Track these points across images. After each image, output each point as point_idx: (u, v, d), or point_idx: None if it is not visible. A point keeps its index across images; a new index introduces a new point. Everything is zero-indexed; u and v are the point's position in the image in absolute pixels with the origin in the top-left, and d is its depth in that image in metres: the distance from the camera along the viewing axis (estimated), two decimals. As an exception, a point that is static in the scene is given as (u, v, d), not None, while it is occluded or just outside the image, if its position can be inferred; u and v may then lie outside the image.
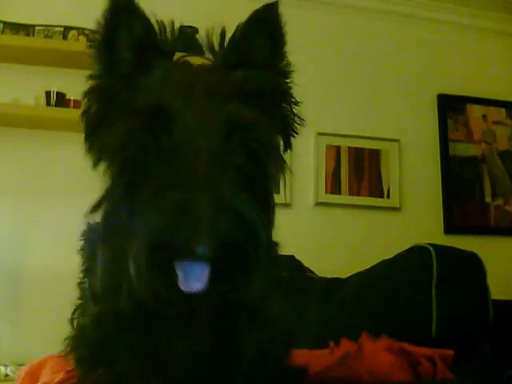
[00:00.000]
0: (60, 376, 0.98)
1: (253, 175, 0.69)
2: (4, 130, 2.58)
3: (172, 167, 0.63)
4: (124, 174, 0.68)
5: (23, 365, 1.31)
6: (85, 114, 0.76)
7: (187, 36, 2.54)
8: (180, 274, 0.60)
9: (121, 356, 0.73)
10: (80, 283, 0.88)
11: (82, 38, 2.67)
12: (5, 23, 2.63)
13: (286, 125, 0.80)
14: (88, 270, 0.84)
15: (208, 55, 0.79)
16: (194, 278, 0.60)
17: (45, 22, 2.67)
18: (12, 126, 2.58)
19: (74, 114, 2.56)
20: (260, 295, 0.72)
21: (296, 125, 0.80)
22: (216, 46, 0.78)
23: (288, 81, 0.80)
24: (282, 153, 0.77)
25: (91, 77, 0.76)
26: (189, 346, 0.71)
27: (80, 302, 0.87)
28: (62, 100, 2.55)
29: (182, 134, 0.65)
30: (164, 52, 0.76)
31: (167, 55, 0.76)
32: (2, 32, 2.61)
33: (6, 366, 2.19)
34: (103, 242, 0.73)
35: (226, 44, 0.77)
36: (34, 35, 2.64)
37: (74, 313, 0.87)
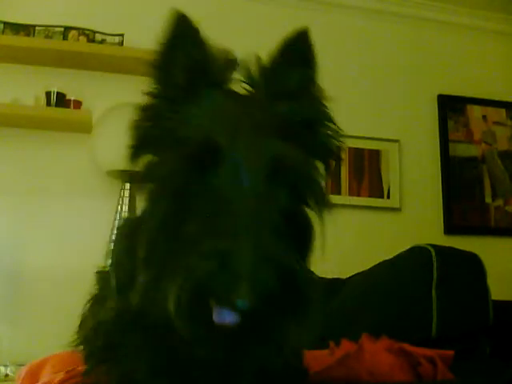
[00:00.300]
0: (60, 376, 0.98)
1: (296, 212, 0.70)
2: (4, 130, 2.58)
3: (216, 207, 0.63)
4: (167, 205, 0.68)
5: (23, 365, 1.31)
6: (133, 130, 0.76)
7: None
8: (215, 309, 0.60)
9: (135, 353, 0.74)
10: (100, 272, 0.88)
11: (83, 38, 2.67)
12: (5, 23, 2.63)
13: (326, 150, 0.79)
14: (117, 264, 0.84)
15: (245, 84, 0.78)
16: (228, 313, 0.60)
17: (45, 22, 2.67)
18: (12, 126, 2.58)
19: (74, 114, 2.58)
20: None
21: (336, 147, 0.80)
22: (255, 76, 0.77)
23: (326, 106, 0.80)
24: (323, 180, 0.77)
25: (148, 94, 0.76)
26: (209, 353, 0.71)
27: (97, 292, 0.87)
28: (62, 100, 2.55)
29: (228, 173, 0.65)
30: (215, 81, 0.75)
31: (218, 84, 0.76)
32: (3, 32, 2.61)
33: (6, 366, 2.19)
34: (142, 262, 0.73)
35: (262, 73, 0.77)
36: (34, 35, 2.64)
37: (90, 302, 0.87)
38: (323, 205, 0.74)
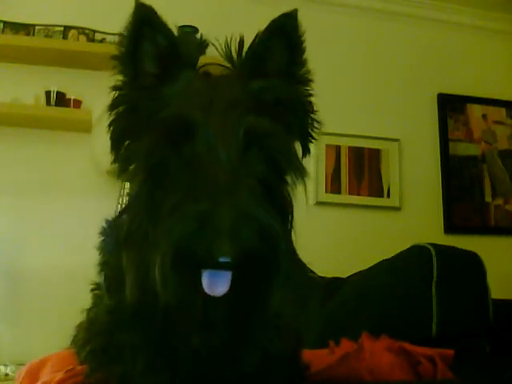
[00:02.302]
0: (60, 375, 0.98)
1: (273, 184, 0.71)
2: (4, 129, 2.58)
3: (194, 178, 0.66)
4: (148, 183, 0.71)
5: (23, 364, 1.31)
6: (110, 125, 0.78)
7: (186, 35, 2.53)
8: (203, 278, 0.62)
9: (132, 351, 0.74)
10: (98, 275, 0.89)
11: (82, 38, 2.67)
12: (5, 23, 2.63)
13: (304, 131, 0.81)
14: (105, 264, 0.85)
15: (226, 64, 0.80)
16: (217, 283, 0.62)
17: (45, 21, 2.67)
18: (12, 126, 2.58)
19: (74, 113, 2.58)
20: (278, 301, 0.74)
21: (314, 130, 0.81)
22: (234, 55, 0.79)
23: (307, 88, 0.81)
24: (300, 159, 0.78)
25: (115, 88, 0.78)
26: (204, 342, 0.72)
27: (96, 293, 0.88)
28: (61, 100, 2.55)
29: (203, 146, 0.67)
30: (186, 63, 0.78)
31: (190, 66, 0.78)
32: (2, 31, 2.61)
33: (6, 365, 2.19)
34: (126, 245, 0.74)
35: (244, 53, 0.79)
36: (34, 35, 2.64)
37: (90, 304, 0.89)
38: (299, 175, 0.75)
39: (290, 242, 0.72)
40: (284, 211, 0.73)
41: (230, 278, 0.62)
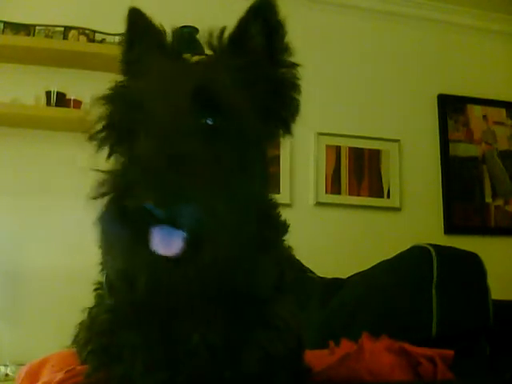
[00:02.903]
0: (60, 375, 0.98)
1: (223, 134, 0.70)
2: (4, 129, 2.58)
3: (143, 136, 0.68)
4: (110, 152, 0.76)
5: (23, 364, 1.31)
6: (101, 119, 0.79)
7: (187, 36, 2.54)
8: (153, 236, 0.62)
9: (132, 351, 0.75)
10: (100, 274, 0.90)
11: (83, 38, 2.67)
12: (5, 23, 2.63)
13: (284, 113, 0.81)
14: (105, 263, 0.85)
15: (209, 52, 0.81)
16: (164, 241, 0.61)
17: (45, 21, 2.67)
18: (12, 126, 2.58)
19: (74, 113, 2.57)
20: (267, 295, 0.75)
21: (295, 113, 0.82)
22: (214, 42, 0.80)
23: (288, 71, 0.81)
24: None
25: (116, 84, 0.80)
26: (202, 338, 0.73)
27: (99, 292, 0.89)
28: (62, 100, 2.55)
29: (152, 108, 0.69)
30: (170, 55, 0.80)
31: (173, 58, 0.80)
32: (3, 32, 2.61)
33: (6, 365, 2.19)
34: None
35: (221, 38, 0.80)
36: (34, 35, 2.64)
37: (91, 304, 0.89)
38: (251, 132, 0.74)
39: (233, 198, 0.68)
40: (233, 160, 0.71)
41: (178, 237, 0.61)
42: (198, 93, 0.69)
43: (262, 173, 0.76)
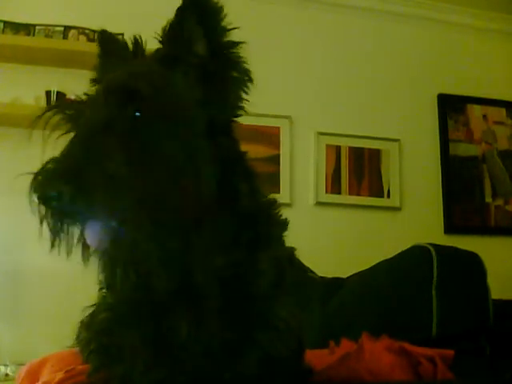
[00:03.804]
0: (60, 375, 0.98)
1: (147, 122, 0.72)
2: (4, 129, 2.58)
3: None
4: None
5: (23, 364, 1.31)
6: None
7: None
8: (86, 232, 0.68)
9: (132, 351, 0.76)
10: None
11: (83, 38, 2.67)
12: (5, 23, 2.62)
13: (230, 101, 0.82)
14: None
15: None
16: (93, 234, 0.67)
17: (45, 21, 2.67)
18: (12, 126, 2.58)
19: (74, 113, 2.57)
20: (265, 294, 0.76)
21: (238, 91, 0.82)
22: (159, 37, 0.83)
23: (230, 60, 0.82)
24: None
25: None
26: (193, 333, 0.73)
27: (103, 291, 0.89)
28: (62, 100, 2.55)
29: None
30: (121, 61, 0.85)
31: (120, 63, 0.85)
32: (3, 31, 2.61)
33: (6, 365, 2.19)
34: None
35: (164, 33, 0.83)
36: (34, 35, 2.64)
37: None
38: (179, 116, 0.76)
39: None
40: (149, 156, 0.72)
41: (102, 229, 0.66)
42: (120, 89, 0.74)
43: (202, 155, 0.76)
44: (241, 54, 0.82)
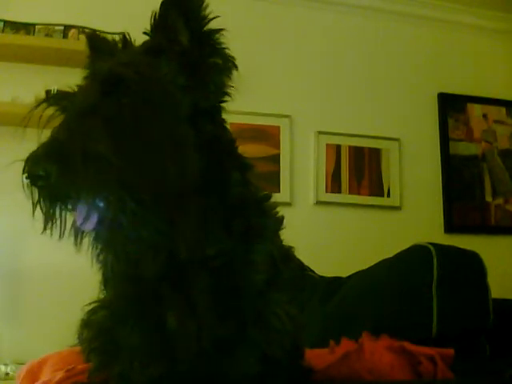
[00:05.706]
0: (60, 375, 0.98)
1: (130, 108, 0.74)
2: (4, 128, 2.58)
3: None
4: None
5: (24, 364, 1.31)
6: None
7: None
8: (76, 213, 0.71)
9: (131, 350, 0.76)
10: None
11: (83, 37, 2.66)
12: (5, 22, 2.62)
13: (214, 90, 0.83)
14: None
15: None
16: (82, 217, 0.71)
17: (45, 20, 2.67)
18: (12, 125, 2.58)
19: (75, 112, 2.57)
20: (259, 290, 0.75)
21: (220, 79, 0.84)
22: (148, 31, 0.85)
23: (213, 51, 0.83)
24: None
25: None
26: (183, 323, 0.74)
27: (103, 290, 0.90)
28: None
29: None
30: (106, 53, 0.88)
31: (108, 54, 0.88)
32: (3, 31, 2.61)
33: (6, 364, 2.19)
34: None
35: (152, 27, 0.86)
36: (34, 34, 2.64)
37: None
38: (160, 102, 0.78)
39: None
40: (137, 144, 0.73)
41: (92, 213, 0.70)
42: (106, 76, 0.77)
43: (184, 138, 0.77)
44: (222, 41, 0.84)
